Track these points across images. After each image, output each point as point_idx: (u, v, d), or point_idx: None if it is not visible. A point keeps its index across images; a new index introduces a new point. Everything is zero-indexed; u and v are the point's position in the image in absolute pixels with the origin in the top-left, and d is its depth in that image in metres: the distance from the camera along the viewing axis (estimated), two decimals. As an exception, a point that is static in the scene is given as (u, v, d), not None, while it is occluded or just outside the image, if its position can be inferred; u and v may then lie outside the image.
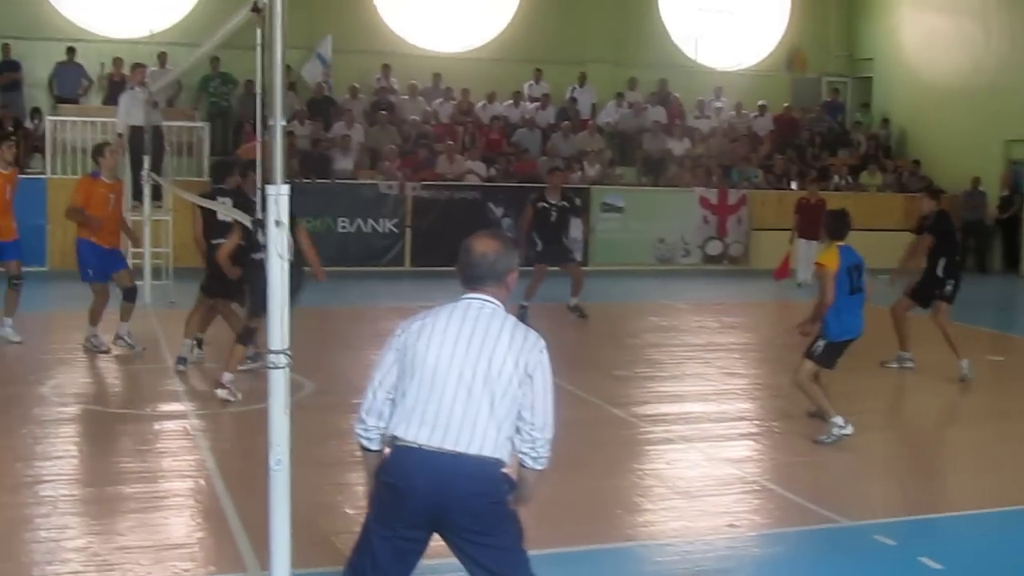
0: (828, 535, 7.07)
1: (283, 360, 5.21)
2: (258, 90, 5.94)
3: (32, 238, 18.40)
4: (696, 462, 8.68)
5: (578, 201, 16.45)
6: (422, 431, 4.16)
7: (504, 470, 4.26)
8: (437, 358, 4.20)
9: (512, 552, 4.27)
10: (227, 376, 9.69)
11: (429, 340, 4.24)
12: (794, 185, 23.00)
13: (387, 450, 4.33)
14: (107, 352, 12.02)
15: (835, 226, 9.33)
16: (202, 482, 7.79)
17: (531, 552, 6.56)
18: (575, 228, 16.33)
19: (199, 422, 9.43)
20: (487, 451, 4.15)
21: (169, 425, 9.60)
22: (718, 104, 25.51)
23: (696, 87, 25.66)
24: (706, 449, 9.02)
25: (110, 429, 9.53)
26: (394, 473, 4.20)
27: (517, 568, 4.28)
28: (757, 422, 10.38)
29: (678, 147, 23.77)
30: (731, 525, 7.22)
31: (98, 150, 12.44)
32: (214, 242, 10.72)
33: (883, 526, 7.11)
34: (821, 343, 9.08)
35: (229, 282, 10.61)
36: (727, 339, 15.06)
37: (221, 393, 9.66)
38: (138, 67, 18.72)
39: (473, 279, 4.38)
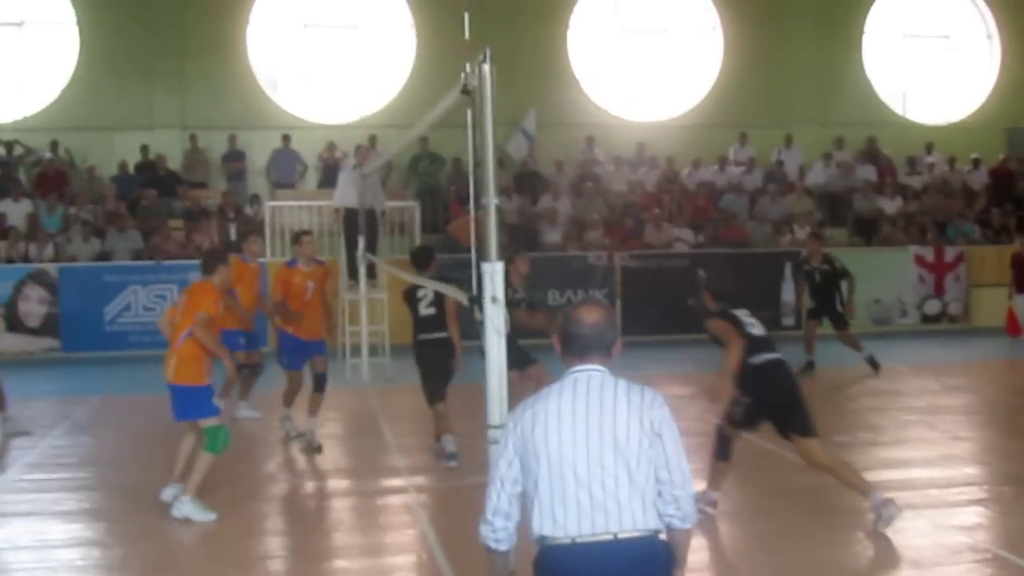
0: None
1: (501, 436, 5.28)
2: (470, 168, 6.08)
3: (257, 321, 19.32)
4: (924, 531, 8.34)
5: (839, 263, 16.42)
6: (569, 524, 3.93)
7: (663, 539, 4.08)
8: (559, 442, 3.98)
9: None
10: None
11: (547, 426, 4.01)
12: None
13: (515, 551, 4.18)
14: (299, 436, 11.69)
15: None
16: (424, 555, 7.90)
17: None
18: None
19: (421, 497, 9.58)
20: (640, 525, 3.95)
21: (392, 500, 9.79)
22: (930, 160, 24.76)
23: (906, 143, 24.98)
24: (934, 517, 8.66)
25: (337, 505, 9.81)
26: (555, 574, 3.98)
27: None
28: (986, 487, 9.92)
29: (890, 206, 23.16)
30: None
31: (295, 239, 12.24)
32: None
33: None
34: None
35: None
36: (951, 401, 14.49)
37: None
38: (360, 148, 19.36)
39: (583, 350, 4.15)
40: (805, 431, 8.28)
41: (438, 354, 10.49)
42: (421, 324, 10.63)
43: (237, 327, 12.15)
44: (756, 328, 8.50)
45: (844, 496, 9.34)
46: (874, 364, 15.95)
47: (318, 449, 11.14)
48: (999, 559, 7.58)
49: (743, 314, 8.58)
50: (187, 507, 8.47)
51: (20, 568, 7.72)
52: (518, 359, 9.87)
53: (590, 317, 4.17)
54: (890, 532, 8.36)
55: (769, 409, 8.41)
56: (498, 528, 4.10)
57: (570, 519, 3.93)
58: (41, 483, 10.27)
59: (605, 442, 3.96)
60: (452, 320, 10.44)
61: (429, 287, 10.30)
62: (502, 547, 4.14)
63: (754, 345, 8.31)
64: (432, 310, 10.53)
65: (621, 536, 3.92)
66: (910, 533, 8.29)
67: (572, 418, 4.00)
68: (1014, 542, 8.00)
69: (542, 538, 4.00)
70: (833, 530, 8.29)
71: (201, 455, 8.65)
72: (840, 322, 16.23)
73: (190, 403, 8.69)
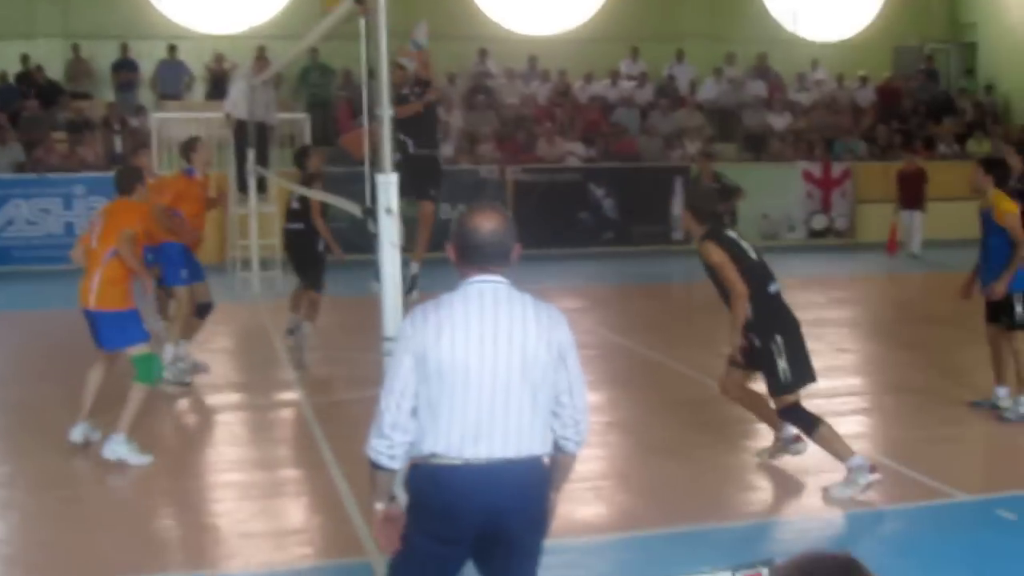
0: (947, 510, 6.97)
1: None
2: (363, 80, 6.00)
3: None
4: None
5: (727, 180, 16.85)
6: (466, 445, 3.70)
7: (545, 461, 3.91)
8: (466, 359, 3.71)
9: (539, 555, 3.96)
10: None
11: (452, 339, 3.72)
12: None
13: (410, 467, 3.86)
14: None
15: (999, 173, 8.87)
16: (319, 469, 7.92)
17: (651, 532, 6.65)
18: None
19: (312, 410, 9.58)
20: (536, 450, 3.81)
21: (284, 413, 9.78)
22: (819, 77, 25.08)
23: (796, 60, 25.25)
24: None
25: (230, 418, 9.77)
26: (441, 495, 3.75)
27: (535, 569, 3.97)
28: (869, 397, 10.28)
29: (779, 122, 23.47)
30: (849, 500, 7.16)
31: (188, 146, 11.17)
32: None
33: (1004, 500, 6.99)
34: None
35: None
36: (836, 314, 14.87)
37: None
38: (256, 59, 18.96)
39: (483, 259, 3.83)
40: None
41: (298, 243, 11.39)
42: (286, 216, 11.70)
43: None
44: (752, 251, 7.47)
45: (732, 408, 9.57)
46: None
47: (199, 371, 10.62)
48: (881, 465, 7.79)
49: (733, 235, 7.57)
50: (121, 448, 7.79)
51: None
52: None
53: (489, 223, 3.84)
54: (770, 440, 8.60)
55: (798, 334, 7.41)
56: (396, 443, 3.75)
57: (466, 440, 3.71)
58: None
59: (514, 364, 3.75)
60: (316, 215, 11.02)
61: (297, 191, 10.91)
62: (396, 464, 3.81)
63: (765, 272, 7.43)
64: (296, 204, 11.31)
65: (515, 459, 3.75)
66: (795, 442, 8.56)
67: (481, 335, 3.74)
68: (895, 450, 8.32)
69: (431, 456, 3.75)
70: (723, 439, 8.47)
71: (135, 387, 7.94)
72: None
73: (118, 329, 7.98)
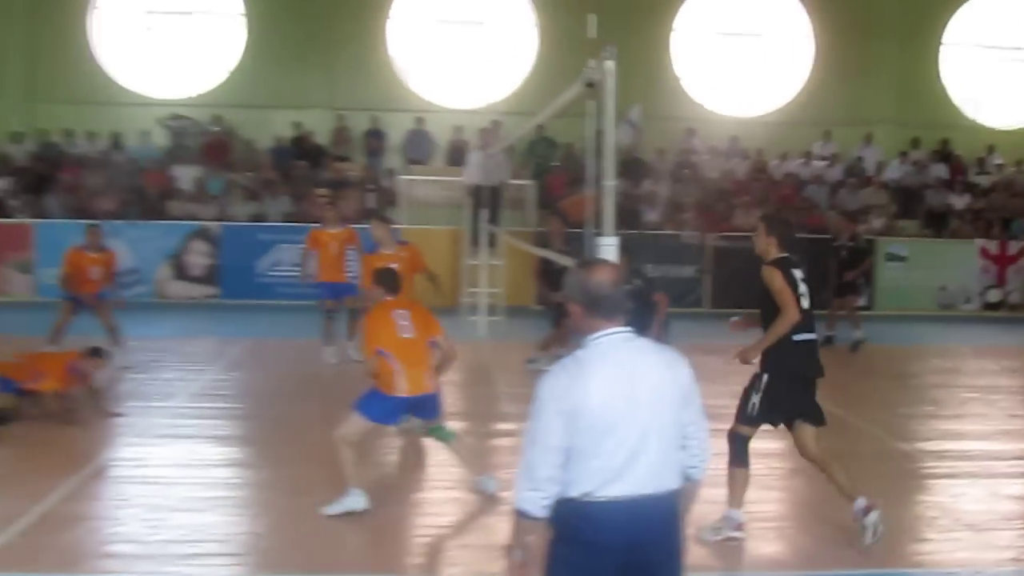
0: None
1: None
2: (590, 153, 6.04)
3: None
4: (980, 497, 8.15)
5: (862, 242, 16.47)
6: (614, 485, 3.60)
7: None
8: (612, 409, 3.59)
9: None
10: None
11: (599, 394, 3.59)
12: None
13: (557, 504, 3.67)
14: None
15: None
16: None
17: (826, 572, 6.39)
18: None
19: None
20: (672, 484, 3.71)
21: (502, 441, 9.85)
22: (998, 161, 23.99)
23: (976, 145, 24.20)
24: (989, 485, 8.46)
25: (454, 444, 9.91)
26: (595, 531, 3.62)
27: None
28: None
29: (959, 201, 22.53)
30: (1015, 559, 6.74)
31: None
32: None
33: None
34: None
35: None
36: (1008, 382, 14.10)
37: None
38: (484, 132, 19.43)
39: (611, 311, 3.70)
40: (817, 419, 6.90)
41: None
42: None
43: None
44: (806, 299, 7.09)
45: (905, 462, 9.16)
46: (857, 345, 15.46)
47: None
48: (1051, 526, 7.39)
49: (799, 275, 7.18)
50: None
51: (182, 482, 7.92)
52: None
53: (612, 276, 3.73)
54: (948, 497, 8.17)
55: (794, 390, 6.89)
56: (550, 495, 3.62)
57: (616, 481, 3.60)
58: (201, 411, 10.52)
59: (650, 406, 3.64)
60: None
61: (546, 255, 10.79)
62: (546, 513, 3.65)
63: (802, 320, 6.97)
64: None
65: (654, 494, 3.64)
66: (966, 499, 8.12)
67: (620, 384, 3.61)
68: (1067, 513, 7.80)
69: (581, 496, 3.62)
70: (894, 492, 8.06)
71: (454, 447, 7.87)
72: (855, 292, 16.10)
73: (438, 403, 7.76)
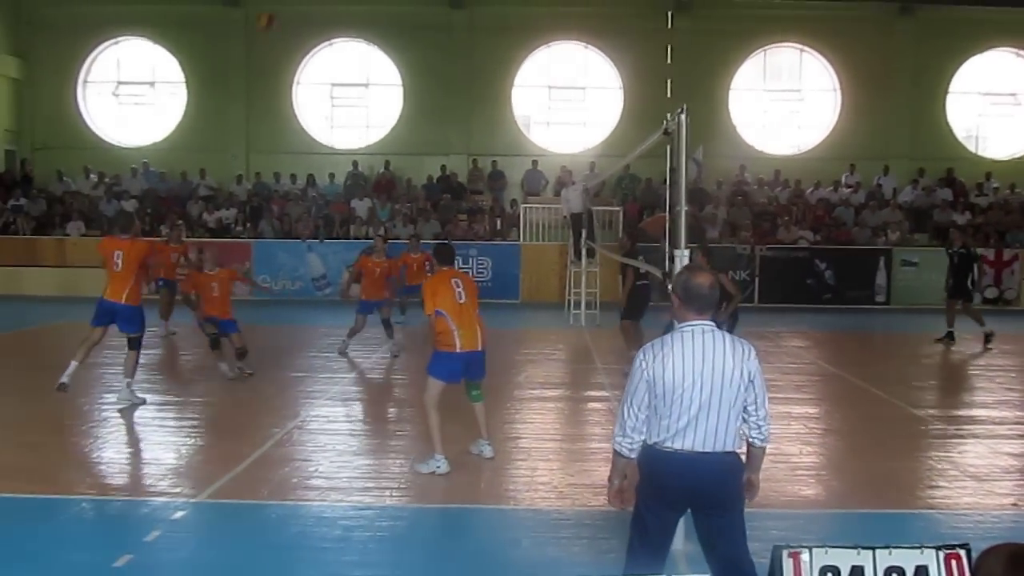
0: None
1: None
2: (667, 185, 5.95)
3: (511, 282, 19.66)
4: (982, 453, 7.78)
5: (974, 249, 14.81)
6: (677, 439, 3.65)
7: (740, 457, 3.78)
8: (683, 383, 3.63)
9: (741, 522, 3.78)
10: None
11: (673, 367, 3.64)
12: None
13: (647, 452, 3.76)
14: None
15: None
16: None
17: (842, 511, 6.19)
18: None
19: (616, 403, 9.55)
20: (728, 446, 3.68)
21: (596, 405, 9.81)
22: (994, 185, 22.83)
23: (976, 173, 23.06)
24: (991, 444, 8.07)
25: (562, 406, 9.91)
26: (661, 473, 3.71)
27: (742, 533, 3.78)
28: (1033, 427, 9.16)
29: (961, 218, 21.51)
30: (1015, 504, 6.41)
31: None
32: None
33: None
34: None
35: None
36: (1004, 362, 13.41)
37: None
38: (566, 170, 19.35)
39: (701, 307, 3.72)
40: None
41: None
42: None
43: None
44: None
45: (919, 424, 8.81)
46: (988, 338, 13.99)
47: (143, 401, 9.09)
48: (1046, 480, 7.01)
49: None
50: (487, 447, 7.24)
51: (360, 434, 8.07)
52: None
53: (707, 281, 3.75)
54: (956, 453, 7.84)
55: None
56: (635, 441, 3.74)
57: (678, 437, 3.65)
58: (374, 379, 10.71)
59: (714, 383, 3.64)
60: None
61: (638, 265, 10.42)
62: (632, 454, 3.78)
63: None
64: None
65: (711, 452, 3.66)
66: (971, 455, 7.78)
67: (692, 364, 3.64)
68: (1054, 467, 7.39)
69: (655, 444, 3.71)
70: (909, 448, 7.78)
71: (479, 407, 7.31)
72: (967, 297, 14.47)
73: (484, 363, 7.23)
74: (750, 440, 3.81)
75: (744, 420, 3.75)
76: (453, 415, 7.41)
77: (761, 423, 3.77)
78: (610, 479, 3.92)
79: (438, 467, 6.77)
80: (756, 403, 3.73)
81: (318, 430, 8.22)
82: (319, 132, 23.57)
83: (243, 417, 8.73)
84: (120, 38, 23.45)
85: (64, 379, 8.55)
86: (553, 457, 7.52)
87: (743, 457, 3.84)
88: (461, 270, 8.09)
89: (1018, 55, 23.99)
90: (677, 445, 3.65)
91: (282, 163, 22.75)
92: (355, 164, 22.65)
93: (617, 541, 5.53)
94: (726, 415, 3.66)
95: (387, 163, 22.65)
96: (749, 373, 3.69)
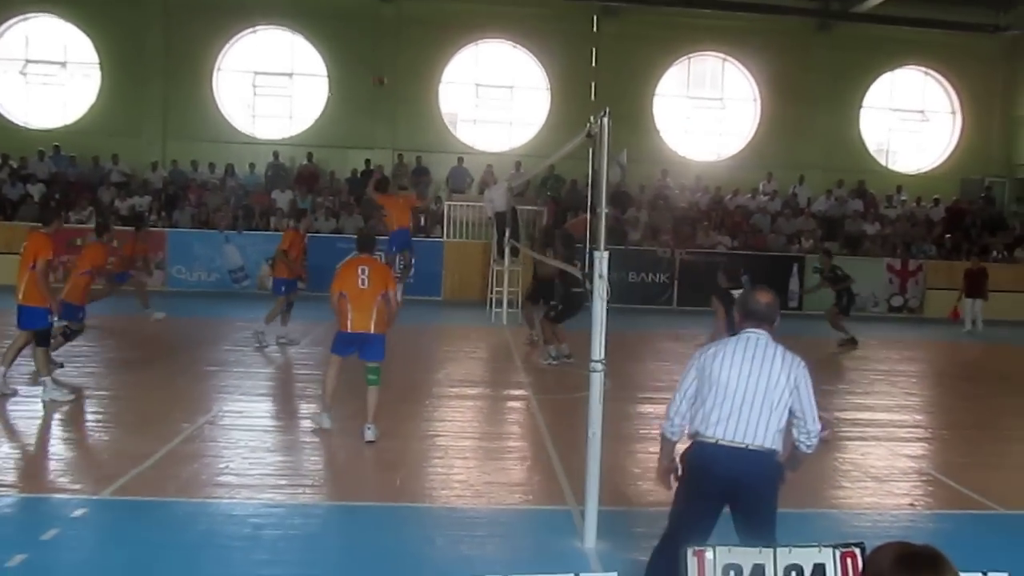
0: (988, 519, 6.42)
1: (600, 367, 5.26)
2: (589, 187, 6.01)
3: (434, 280, 19.53)
4: (883, 455, 8.10)
5: (841, 271, 15.44)
6: (718, 430, 3.93)
7: (778, 457, 4.01)
8: (729, 377, 3.95)
9: (773, 516, 4.01)
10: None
11: (723, 363, 3.99)
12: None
13: (689, 442, 4.10)
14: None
15: None
16: (538, 442, 7.94)
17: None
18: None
19: (537, 403, 9.60)
20: (766, 444, 3.92)
21: (515, 404, 9.85)
22: (902, 198, 23.79)
23: (885, 185, 23.99)
24: (891, 447, 8.41)
25: (480, 404, 9.91)
26: (701, 461, 3.99)
27: (773, 528, 3.99)
28: (931, 430, 9.58)
29: (871, 229, 22.35)
30: (911, 505, 6.69)
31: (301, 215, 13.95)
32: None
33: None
34: None
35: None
36: (907, 367, 14.00)
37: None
38: (491, 170, 19.36)
39: (757, 318, 4.10)
40: None
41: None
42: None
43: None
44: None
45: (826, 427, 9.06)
46: (852, 342, 14.81)
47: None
48: (938, 481, 7.34)
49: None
50: (372, 431, 7.53)
51: (274, 430, 7.92)
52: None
53: (766, 297, 4.13)
54: (859, 455, 8.11)
55: None
56: (676, 425, 4.13)
57: (719, 427, 3.92)
58: (293, 376, 10.55)
59: (760, 386, 3.92)
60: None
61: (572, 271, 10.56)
62: (675, 438, 4.18)
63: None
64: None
65: (750, 447, 3.89)
66: (872, 456, 8.08)
67: (742, 363, 3.97)
68: (950, 469, 7.73)
69: (696, 433, 4.01)
70: (817, 451, 7.99)
71: (372, 390, 7.60)
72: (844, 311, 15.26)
73: (381, 346, 7.63)
74: (796, 443, 4.07)
75: (794, 425, 4.01)
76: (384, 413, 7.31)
77: (809, 429, 4.02)
78: (659, 461, 4.31)
79: (321, 423, 7.73)
80: (803, 409, 3.98)
81: (230, 426, 8.03)
82: (240, 121, 23.02)
83: (152, 412, 8.47)
84: (30, 14, 22.45)
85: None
86: (470, 455, 7.52)
87: (780, 458, 4.04)
88: (379, 261, 8.32)
89: (927, 74, 25.04)
90: (719, 435, 3.92)
91: (201, 151, 22.13)
92: (276, 155, 22.21)
93: (531, 539, 5.58)
94: (768, 414, 3.91)
95: (310, 155, 22.27)
96: (795, 379, 3.97)
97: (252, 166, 21.96)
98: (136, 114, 22.16)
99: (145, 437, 7.37)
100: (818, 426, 4.02)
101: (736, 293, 8.17)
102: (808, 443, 4.04)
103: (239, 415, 8.46)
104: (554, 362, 11.58)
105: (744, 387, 3.92)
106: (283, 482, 6.44)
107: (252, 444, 7.40)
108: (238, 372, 10.50)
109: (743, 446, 3.90)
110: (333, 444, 7.65)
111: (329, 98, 22.86)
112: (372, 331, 7.53)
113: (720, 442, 3.92)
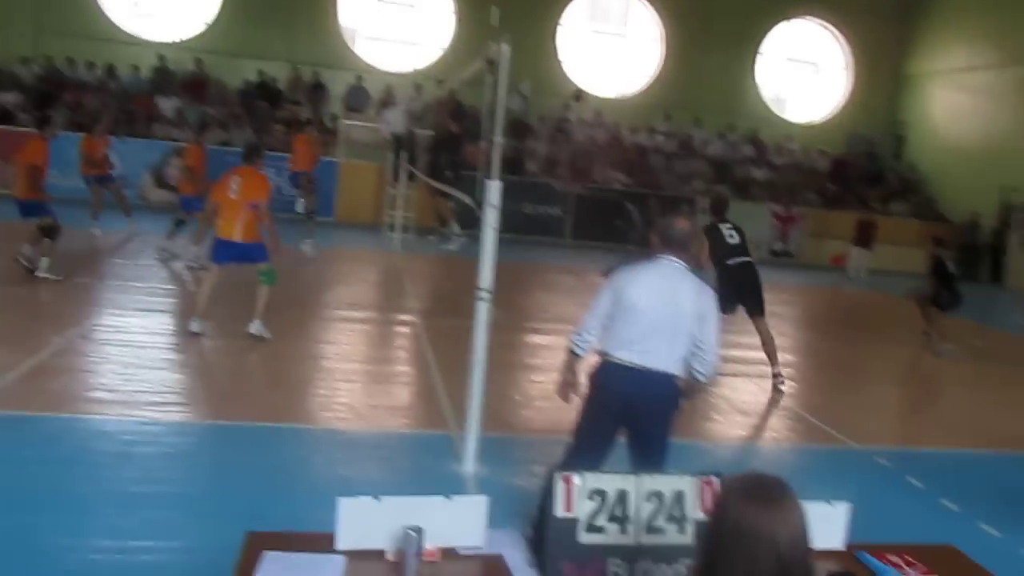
0: (842, 453, 6.87)
1: (486, 295, 5.31)
2: (485, 115, 5.98)
3: (326, 200, 19.12)
4: (752, 392, 8.52)
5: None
6: (625, 352, 3.99)
7: (678, 381, 4.09)
8: (640, 299, 3.99)
9: (665, 443, 4.13)
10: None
11: (638, 288, 4.02)
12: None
13: (596, 360, 4.16)
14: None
15: None
16: (423, 368, 7.99)
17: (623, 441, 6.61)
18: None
19: (425, 329, 9.63)
20: (669, 369, 4.00)
21: (403, 328, 9.86)
22: (792, 147, 24.62)
23: (777, 134, 24.76)
24: (760, 383, 8.82)
25: (368, 328, 9.87)
26: (607, 380, 4.07)
27: (664, 455, 4.12)
28: (798, 369, 10.08)
29: (760, 175, 23.09)
30: (774, 438, 7.09)
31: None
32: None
33: (882, 451, 6.88)
34: None
35: None
36: (784, 309, 14.58)
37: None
38: (399, 92, 19.05)
39: (675, 245, 4.09)
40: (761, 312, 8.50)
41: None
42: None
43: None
44: (733, 238, 8.35)
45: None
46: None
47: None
48: (800, 416, 7.77)
49: (725, 227, 8.39)
50: (257, 326, 8.14)
51: (151, 346, 7.74)
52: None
53: (680, 224, 4.11)
54: (729, 391, 8.51)
55: (739, 297, 8.38)
56: (585, 340, 4.18)
57: (626, 350, 3.99)
58: (171, 290, 10.25)
59: (669, 312, 3.96)
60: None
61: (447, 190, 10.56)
62: (581, 353, 4.22)
63: (731, 251, 8.24)
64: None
65: (653, 370, 3.97)
66: (742, 392, 8.46)
67: (655, 287, 4.00)
68: (813, 406, 8.19)
69: (606, 353, 4.07)
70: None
71: (262, 289, 8.12)
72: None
73: (261, 252, 8.19)
74: (693, 372, 4.11)
75: (693, 354, 4.04)
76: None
77: (707, 359, 4.06)
78: (561, 373, 4.32)
79: (190, 326, 8.09)
80: (705, 339, 4.02)
81: (104, 340, 7.76)
82: (122, 18, 21.66)
83: (19, 324, 8.09)
84: None
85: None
86: (354, 378, 7.51)
87: (679, 383, 4.12)
88: (260, 173, 8.39)
89: (823, 26, 25.70)
90: (624, 357, 3.99)
91: (78, 48, 20.73)
92: (162, 58, 21.07)
93: (411, 462, 5.66)
94: (673, 341, 3.98)
95: (198, 61, 21.24)
96: (702, 310, 4.00)
97: (136, 68, 20.78)
98: (3, 3, 20.55)
99: (10, 349, 7.04)
100: (715, 358, 4.10)
101: (723, 227, 8.33)
102: (704, 372, 4.11)
103: (114, 330, 8.16)
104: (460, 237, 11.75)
105: (655, 313, 3.97)
106: (158, 399, 6.29)
107: (126, 360, 7.17)
108: (115, 285, 10.10)
109: (646, 368, 3.97)
110: (212, 363, 7.51)
111: (223, 3, 21.74)
112: (239, 239, 7.97)
113: (625, 363, 4.00)
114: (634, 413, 4.05)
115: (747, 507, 1.76)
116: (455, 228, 11.61)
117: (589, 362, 4.26)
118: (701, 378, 4.14)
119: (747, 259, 8.37)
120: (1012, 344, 12.91)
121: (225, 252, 8.13)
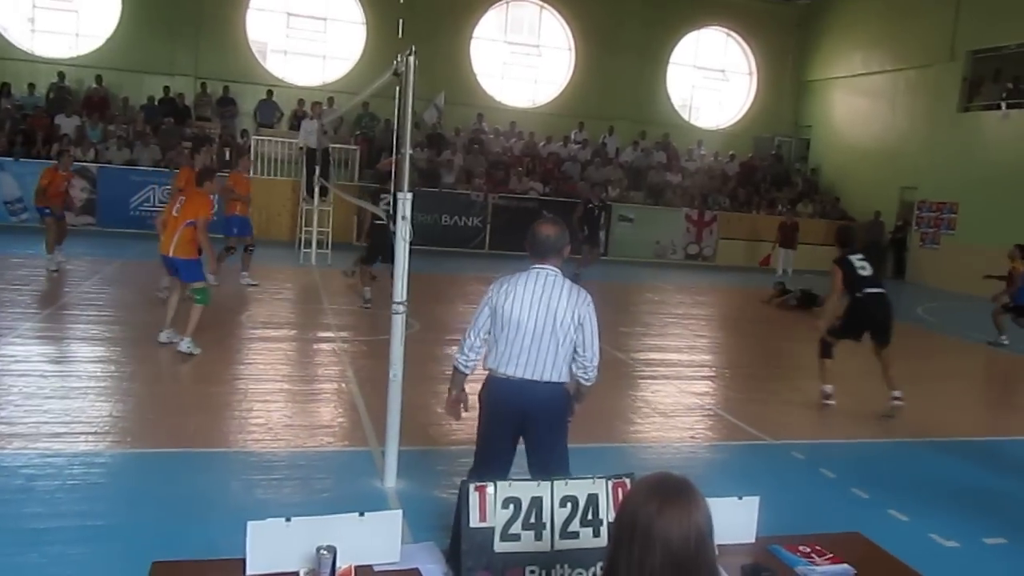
0: (758, 449, 7.03)
1: (402, 308, 5.26)
2: (395, 126, 5.94)
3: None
4: (672, 393, 8.66)
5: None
6: (510, 367, 3.99)
7: (566, 388, 4.10)
8: (519, 315, 3.97)
9: (562, 444, 4.13)
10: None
11: (513, 301, 3.99)
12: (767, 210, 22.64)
13: (484, 376, 4.15)
14: None
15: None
16: (343, 385, 7.89)
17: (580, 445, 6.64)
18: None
19: (344, 346, 9.53)
20: (554, 378, 4.01)
21: (323, 346, 9.72)
22: (702, 152, 25.19)
23: (687, 140, 25.34)
24: (679, 385, 9.00)
25: (285, 347, 9.68)
26: (496, 395, 4.06)
27: (563, 455, 4.13)
28: (715, 369, 10.31)
29: (673, 180, 23.56)
30: (693, 437, 7.20)
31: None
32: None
33: (797, 445, 7.06)
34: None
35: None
36: (698, 311, 14.95)
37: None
38: (316, 105, 18.85)
39: (540, 253, 4.05)
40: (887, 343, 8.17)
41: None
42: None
43: (237, 214, 12.65)
44: (865, 269, 7.99)
45: (622, 367, 9.57)
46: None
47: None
48: (718, 415, 7.92)
49: (856, 259, 8.05)
50: (185, 344, 8.37)
51: (54, 375, 7.44)
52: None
53: (545, 230, 4.06)
54: (650, 392, 8.64)
55: (868, 326, 8.12)
56: (471, 358, 4.14)
57: (511, 365, 3.98)
58: (75, 316, 9.89)
59: (547, 323, 3.94)
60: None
61: (363, 206, 10.48)
62: (467, 371, 4.18)
63: (862, 281, 7.93)
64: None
65: (540, 381, 3.97)
66: (662, 394, 8.59)
67: (530, 301, 3.96)
68: (726, 404, 8.37)
69: (491, 369, 4.06)
70: (613, 389, 8.37)
71: (194, 307, 8.42)
72: (594, 243, 16.54)
73: (190, 270, 8.49)
74: (577, 377, 4.09)
75: (574, 360, 4.03)
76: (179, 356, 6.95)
77: (587, 364, 4.04)
78: (449, 391, 4.28)
79: (159, 336, 8.50)
80: (584, 345, 4.01)
81: (2, 371, 7.42)
82: (17, 35, 20.86)
83: (-92, 355, 7.68)
84: None
85: None
86: (271, 399, 7.34)
87: (569, 389, 4.13)
88: (208, 196, 8.67)
89: (728, 35, 26.43)
90: (509, 372, 3.98)
91: (-30, 67, 19.92)
92: (61, 76, 20.36)
93: (332, 481, 5.56)
94: (555, 349, 3.96)
95: (99, 78, 20.59)
96: (579, 317, 3.97)
97: (32, 87, 20.03)
98: None
99: (-102, 383, 6.67)
100: (596, 361, 4.09)
101: (854, 259, 7.99)
102: (586, 376, 4.10)
103: (12, 360, 7.82)
104: (367, 306, 11.49)
105: (534, 325, 3.95)
106: (62, 430, 6.04)
107: (27, 391, 6.86)
108: (13, 313, 9.68)
109: (533, 380, 3.98)
110: (121, 390, 7.25)
111: (122, 15, 21.16)
112: (171, 254, 8.35)
113: (511, 377, 4.00)
114: (528, 424, 4.05)
115: (644, 506, 1.78)
116: (367, 295, 11.60)
117: (477, 377, 4.24)
118: (585, 382, 4.13)
119: (879, 290, 8.04)
120: (916, 337, 13.43)
121: (167, 266, 8.63)
